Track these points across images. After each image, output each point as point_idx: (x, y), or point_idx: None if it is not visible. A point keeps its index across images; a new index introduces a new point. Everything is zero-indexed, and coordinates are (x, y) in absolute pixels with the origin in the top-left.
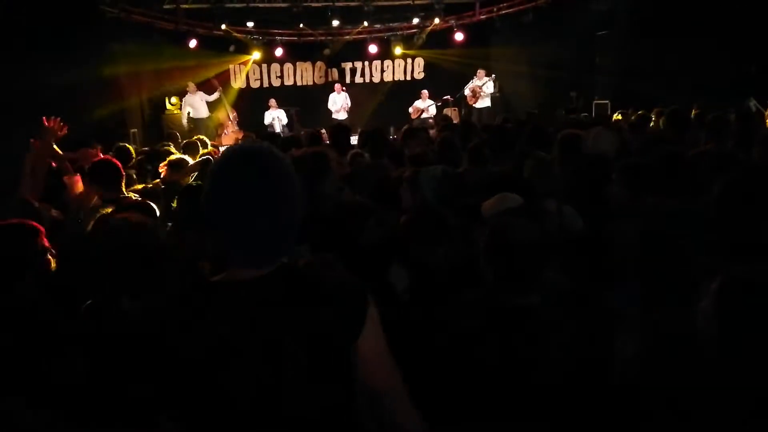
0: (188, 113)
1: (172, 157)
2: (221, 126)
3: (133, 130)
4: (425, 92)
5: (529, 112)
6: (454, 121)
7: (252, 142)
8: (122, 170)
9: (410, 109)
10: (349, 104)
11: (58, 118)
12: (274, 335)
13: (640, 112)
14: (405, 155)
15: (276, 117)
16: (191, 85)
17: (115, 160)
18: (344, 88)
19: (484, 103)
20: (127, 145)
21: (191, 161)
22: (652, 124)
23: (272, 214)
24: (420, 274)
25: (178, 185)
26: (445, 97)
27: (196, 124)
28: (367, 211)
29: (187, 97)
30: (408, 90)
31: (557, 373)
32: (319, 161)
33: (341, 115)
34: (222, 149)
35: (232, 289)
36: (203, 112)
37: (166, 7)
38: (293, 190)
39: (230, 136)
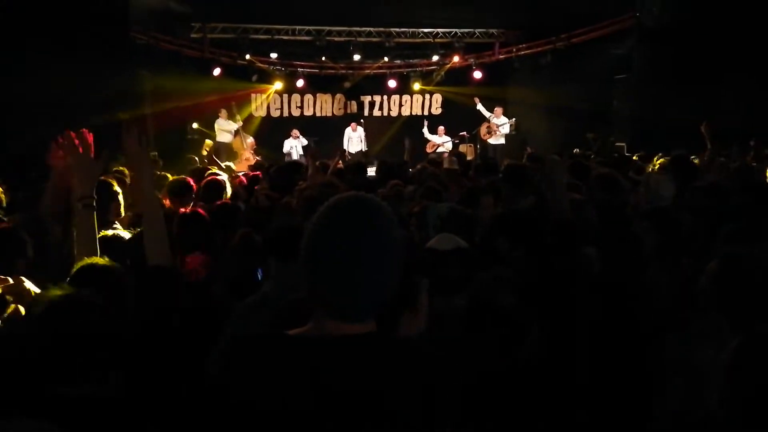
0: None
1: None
2: (236, 153)
3: (153, 153)
4: (441, 128)
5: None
6: (468, 158)
7: (357, 194)
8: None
9: (427, 145)
10: (364, 139)
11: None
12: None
13: (661, 160)
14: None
15: (293, 146)
16: (224, 111)
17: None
18: (360, 123)
19: (498, 140)
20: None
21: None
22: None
23: (377, 269)
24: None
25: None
26: (461, 134)
27: (220, 147)
28: None
29: (220, 121)
30: (426, 124)
31: None
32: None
33: (355, 147)
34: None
35: (322, 344)
36: (228, 137)
37: (194, 36)
38: (397, 246)
39: (243, 163)
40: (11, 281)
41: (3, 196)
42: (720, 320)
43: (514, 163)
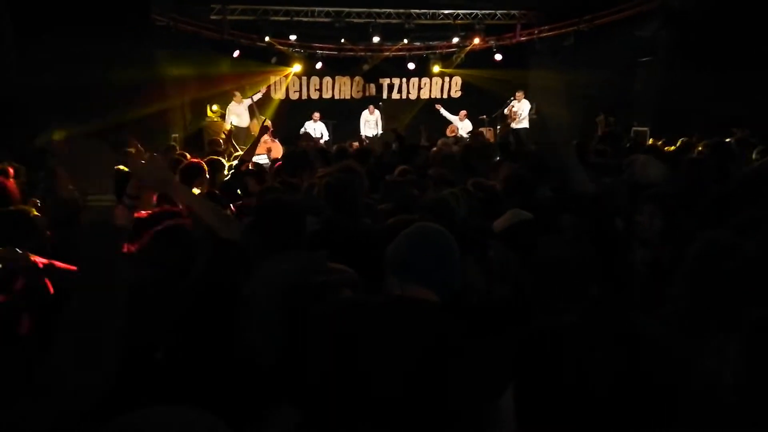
0: (231, 122)
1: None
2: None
3: (174, 135)
4: (463, 112)
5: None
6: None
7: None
8: None
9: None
10: (380, 122)
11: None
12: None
13: (684, 140)
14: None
15: (313, 129)
16: (237, 95)
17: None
18: (378, 107)
19: (522, 124)
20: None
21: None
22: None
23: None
24: None
25: None
26: (480, 117)
27: (238, 132)
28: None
29: (232, 106)
30: (445, 107)
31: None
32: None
33: (370, 132)
34: (256, 159)
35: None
36: (245, 120)
37: (213, 17)
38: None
39: (262, 146)
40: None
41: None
42: (689, 305)
43: (535, 150)
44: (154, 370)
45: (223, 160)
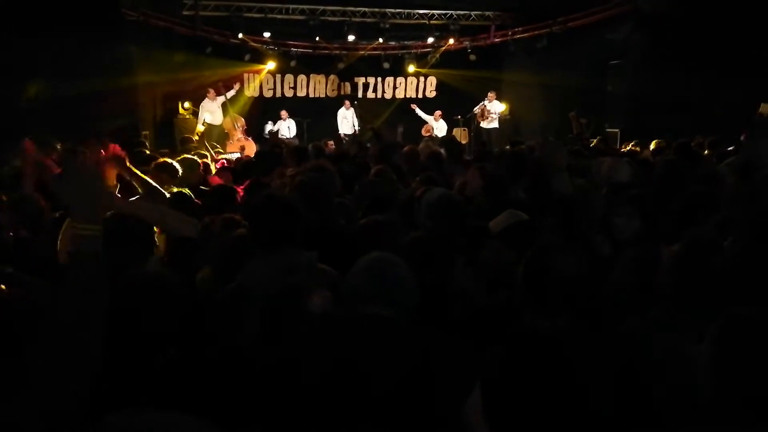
0: (204, 119)
1: (160, 160)
2: (228, 133)
3: (145, 132)
4: (438, 112)
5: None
6: (463, 141)
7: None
8: None
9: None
10: (356, 120)
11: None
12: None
13: (658, 142)
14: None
15: (287, 127)
16: (211, 91)
17: None
18: (353, 105)
19: (492, 124)
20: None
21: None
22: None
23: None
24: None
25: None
26: (455, 117)
27: (210, 129)
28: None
29: (206, 103)
30: (420, 107)
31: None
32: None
33: (347, 129)
34: (227, 156)
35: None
36: (219, 118)
37: (186, 13)
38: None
39: (235, 144)
40: None
41: None
42: (672, 307)
43: (513, 150)
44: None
45: (196, 158)
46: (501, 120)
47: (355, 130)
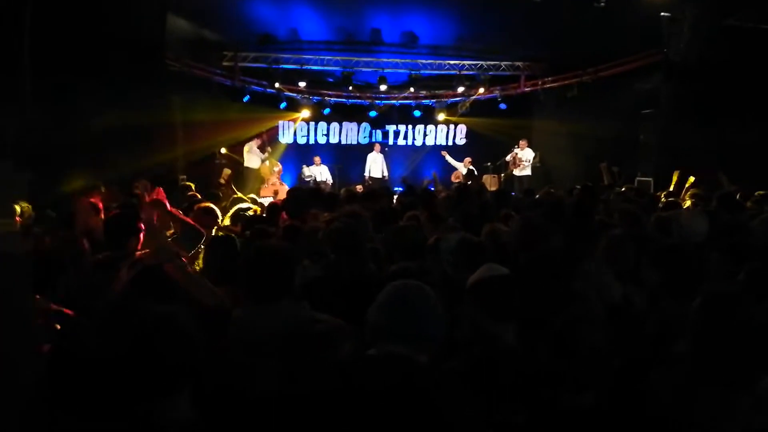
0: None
1: (203, 204)
2: (265, 178)
3: (182, 177)
4: (468, 159)
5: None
6: (492, 188)
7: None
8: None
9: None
10: (385, 164)
11: None
12: None
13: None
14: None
15: (320, 172)
16: (256, 140)
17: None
18: (383, 152)
19: (524, 171)
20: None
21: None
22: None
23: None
24: None
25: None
26: (485, 164)
27: (248, 172)
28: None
29: (251, 146)
30: (450, 154)
31: None
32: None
33: (376, 173)
34: (262, 200)
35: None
36: (256, 163)
37: (225, 63)
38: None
39: (269, 188)
40: None
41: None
42: (695, 360)
43: (552, 198)
44: None
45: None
46: (533, 167)
47: (383, 175)
